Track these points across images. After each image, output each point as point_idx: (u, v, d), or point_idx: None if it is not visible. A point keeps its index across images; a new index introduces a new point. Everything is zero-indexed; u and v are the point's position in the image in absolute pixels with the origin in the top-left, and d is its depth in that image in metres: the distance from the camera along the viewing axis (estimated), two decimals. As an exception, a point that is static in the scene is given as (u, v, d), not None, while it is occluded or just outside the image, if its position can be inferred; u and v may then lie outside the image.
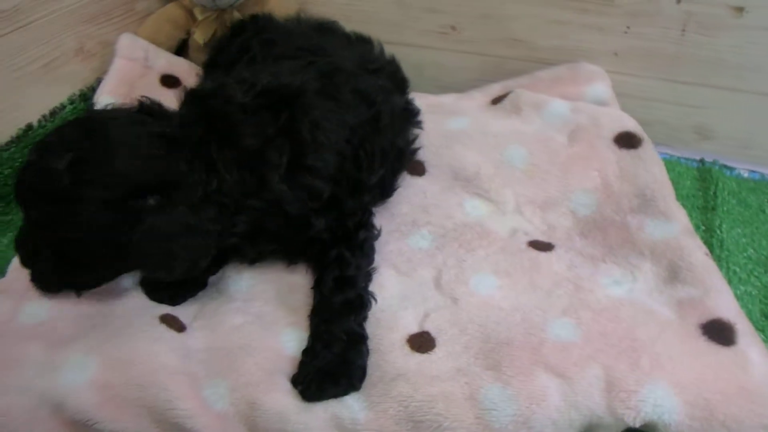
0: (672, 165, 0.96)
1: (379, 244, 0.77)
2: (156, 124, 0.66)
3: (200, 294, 0.73)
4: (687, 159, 1.00)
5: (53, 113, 0.98)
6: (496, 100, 0.98)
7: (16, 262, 0.75)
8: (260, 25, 0.94)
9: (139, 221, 0.61)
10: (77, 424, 0.59)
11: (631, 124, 0.88)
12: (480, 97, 1.01)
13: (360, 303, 0.68)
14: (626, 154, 0.84)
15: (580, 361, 0.62)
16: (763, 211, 0.89)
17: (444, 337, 0.66)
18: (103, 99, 0.94)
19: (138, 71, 1.03)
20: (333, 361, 0.63)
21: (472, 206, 0.83)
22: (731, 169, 0.98)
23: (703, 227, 0.86)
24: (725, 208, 0.88)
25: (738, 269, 0.80)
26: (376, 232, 0.76)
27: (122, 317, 0.68)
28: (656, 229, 0.76)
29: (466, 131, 0.91)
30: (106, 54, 1.05)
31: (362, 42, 0.93)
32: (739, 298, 0.71)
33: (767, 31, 0.92)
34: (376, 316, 0.69)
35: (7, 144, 0.91)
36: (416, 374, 0.62)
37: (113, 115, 0.67)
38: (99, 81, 1.02)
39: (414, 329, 0.67)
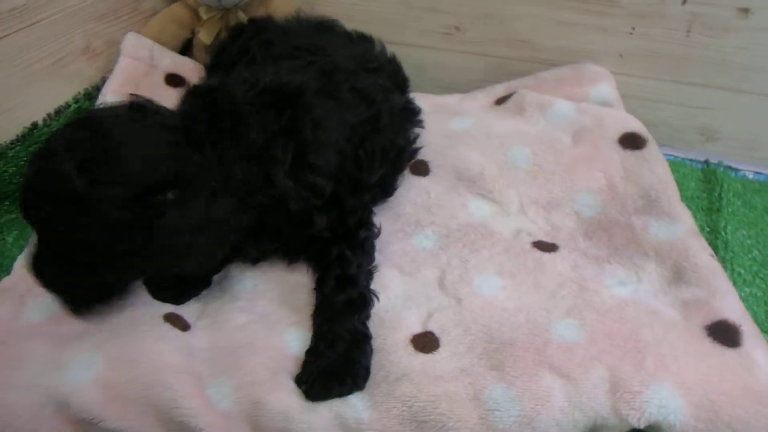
0: (677, 166, 0.95)
1: (382, 244, 0.77)
2: (158, 119, 0.65)
3: (204, 293, 0.73)
4: (692, 160, 1.00)
5: (58, 112, 0.98)
6: (500, 101, 0.98)
7: (21, 259, 0.76)
8: (259, 27, 0.95)
9: (159, 217, 0.60)
10: (81, 422, 0.59)
11: (635, 125, 0.88)
12: (483, 97, 1.01)
13: (362, 302, 0.68)
14: (631, 155, 0.84)
15: (584, 362, 0.61)
16: (769, 213, 0.89)
17: (448, 337, 0.66)
18: (108, 98, 0.94)
19: (143, 70, 1.03)
20: (337, 360, 0.63)
21: (475, 207, 0.83)
22: (736, 170, 0.98)
23: (708, 229, 0.85)
24: (730, 210, 0.88)
25: (743, 271, 0.79)
26: (376, 231, 0.76)
27: (126, 316, 0.68)
28: (661, 230, 0.76)
29: (470, 132, 0.91)
30: (112, 53, 1.05)
31: (363, 41, 0.93)
32: (743, 299, 0.71)
33: (773, 32, 0.92)
34: (379, 315, 0.69)
35: (12, 142, 0.91)
36: (420, 374, 0.62)
37: (114, 112, 0.65)
38: (104, 80, 1.02)
39: (418, 329, 0.67)
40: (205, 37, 1.08)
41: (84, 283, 0.64)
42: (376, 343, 0.66)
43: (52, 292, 0.65)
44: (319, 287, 0.70)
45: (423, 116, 0.92)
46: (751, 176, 0.97)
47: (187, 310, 0.70)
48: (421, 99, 0.96)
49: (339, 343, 0.64)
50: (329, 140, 0.71)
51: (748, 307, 0.70)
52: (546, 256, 0.76)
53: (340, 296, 0.68)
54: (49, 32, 0.95)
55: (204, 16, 1.08)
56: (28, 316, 0.68)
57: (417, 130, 0.90)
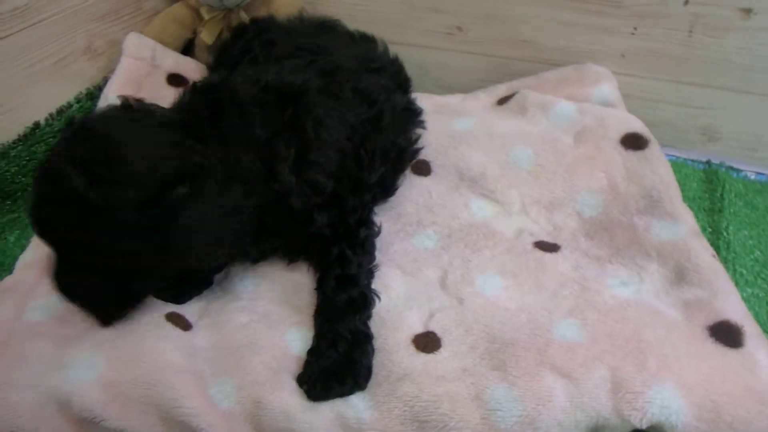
0: (678, 167, 0.95)
1: (384, 244, 0.77)
2: (155, 117, 0.65)
3: (205, 293, 0.73)
4: (693, 161, 1.00)
5: (60, 112, 0.98)
6: (502, 101, 0.98)
7: (23, 258, 0.76)
8: (261, 27, 0.95)
9: (176, 213, 0.59)
10: (84, 421, 0.59)
11: (637, 126, 0.87)
12: (485, 97, 1.01)
13: (363, 301, 0.68)
14: (633, 155, 0.84)
15: (586, 362, 0.61)
16: (771, 214, 0.89)
17: (449, 337, 0.66)
18: (110, 98, 0.94)
19: (145, 70, 1.03)
20: (338, 360, 0.63)
21: (477, 206, 0.83)
22: (738, 171, 0.98)
23: (710, 229, 0.85)
24: (732, 210, 0.88)
25: (745, 271, 0.79)
26: (376, 229, 0.76)
27: (128, 315, 0.68)
28: (663, 230, 0.76)
29: (472, 132, 0.91)
30: (114, 53, 1.05)
31: (365, 41, 0.93)
32: (745, 300, 0.71)
33: (775, 32, 0.92)
34: (381, 315, 0.69)
35: (14, 142, 0.92)
36: (422, 374, 0.62)
37: (110, 114, 0.64)
38: (106, 80, 1.02)
39: (419, 329, 0.67)
40: (206, 37, 1.08)
41: (110, 292, 0.64)
42: (377, 343, 0.66)
43: (79, 305, 0.65)
44: (320, 287, 0.70)
45: (425, 116, 0.92)
46: (753, 177, 0.97)
47: (189, 310, 0.70)
48: (423, 99, 0.96)
49: (340, 343, 0.64)
50: (330, 139, 0.71)
51: (750, 308, 0.70)
52: (548, 256, 0.76)
53: (341, 296, 0.68)
54: (50, 32, 0.96)
55: (206, 16, 1.08)
56: (30, 316, 0.68)
57: (418, 130, 0.90)
